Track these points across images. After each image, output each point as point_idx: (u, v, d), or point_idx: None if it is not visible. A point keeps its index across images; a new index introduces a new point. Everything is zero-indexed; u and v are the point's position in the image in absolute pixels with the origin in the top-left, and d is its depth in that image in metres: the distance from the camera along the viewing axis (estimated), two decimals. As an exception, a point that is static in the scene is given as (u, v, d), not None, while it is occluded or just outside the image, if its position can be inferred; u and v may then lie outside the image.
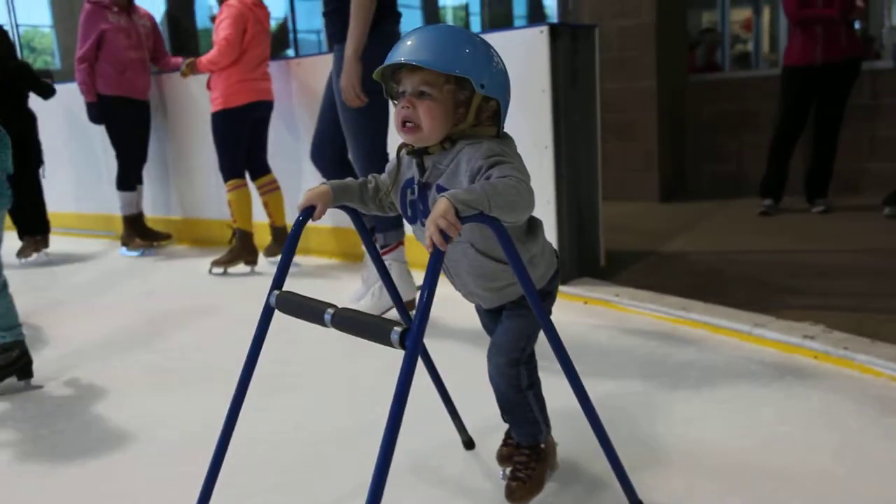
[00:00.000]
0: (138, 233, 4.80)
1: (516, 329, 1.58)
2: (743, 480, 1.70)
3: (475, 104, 1.42)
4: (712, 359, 2.44)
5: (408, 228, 1.82)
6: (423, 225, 1.47)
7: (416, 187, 1.47)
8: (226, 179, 4.07)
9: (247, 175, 4.14)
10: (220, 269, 4.11)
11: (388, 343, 1.25)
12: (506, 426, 1.81)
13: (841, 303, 2.95)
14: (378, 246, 3.01)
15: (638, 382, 2.29)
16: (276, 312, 1.49)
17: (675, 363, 2.42)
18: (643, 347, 2.61)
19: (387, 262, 2.94)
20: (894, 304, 2.88)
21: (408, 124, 1.41)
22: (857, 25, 4.56)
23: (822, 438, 1.88)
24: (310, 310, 1.41)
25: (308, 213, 1.53)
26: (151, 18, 4.76)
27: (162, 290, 3.97)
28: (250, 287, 3.84)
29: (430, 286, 1.23)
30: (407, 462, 1.83)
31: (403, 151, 1.52)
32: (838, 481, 1.68)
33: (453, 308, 2.07)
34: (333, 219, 4.19)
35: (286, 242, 1.54)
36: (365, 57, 2.76)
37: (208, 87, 4.08)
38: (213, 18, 4.20)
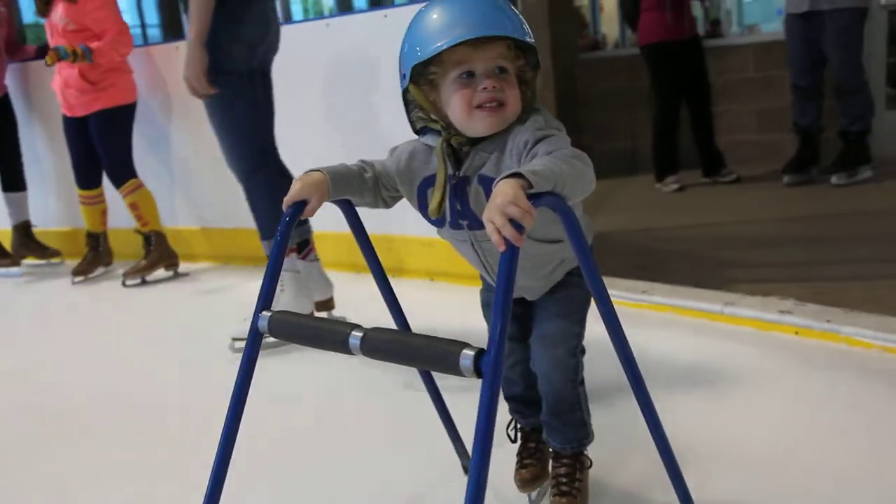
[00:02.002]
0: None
1: (570, 313, 1.36)
2: (794, 480, 1.53)
3: (536, 81, 1.23)
4: (693, 344, 2.29)
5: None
6: (458, 227, 1.25)
7: (447, 184, 1.22)
8: (124, 181, 3.64)
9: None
10: (135, 280, 3.67)
11: (455, 371, 0.96)
12: (512, 446, 1.55)
13: (786, 273, 2.90)
14: (298, 243, 2.67)
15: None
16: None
17: (656, 353, 2.24)
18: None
19: (304, 264, 2.66)
20: (838, 271, 2.86)
21: (490, 105, 1.17)
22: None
23: (849, 421, 1.75)
24: (323, 333, 1.10)
25: (297, 208, 1.20)
26: (6, 4, 4.10)
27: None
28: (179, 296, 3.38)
29: (504, 294, 0.95)
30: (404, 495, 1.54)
31: (430, 143, 1.25)
32: None
33: (448, 309, 1.80)
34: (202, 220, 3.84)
35: (273, 251, 1.20)
36: (238, 37, 2.45)
37: (85, 79, 3.53)
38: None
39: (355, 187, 1.27)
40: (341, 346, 1.06)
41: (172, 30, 5.67)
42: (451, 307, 2.36)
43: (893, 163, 4.67)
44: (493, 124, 1.18)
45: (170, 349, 2.75)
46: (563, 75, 5.40)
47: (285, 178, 2.58)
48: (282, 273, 2.36)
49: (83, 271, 3.87)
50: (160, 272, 3.77)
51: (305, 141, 3.21)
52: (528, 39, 1.17)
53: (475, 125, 1.18)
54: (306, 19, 7.16)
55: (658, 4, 4.58)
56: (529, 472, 1.50)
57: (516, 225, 0.95)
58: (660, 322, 2.51)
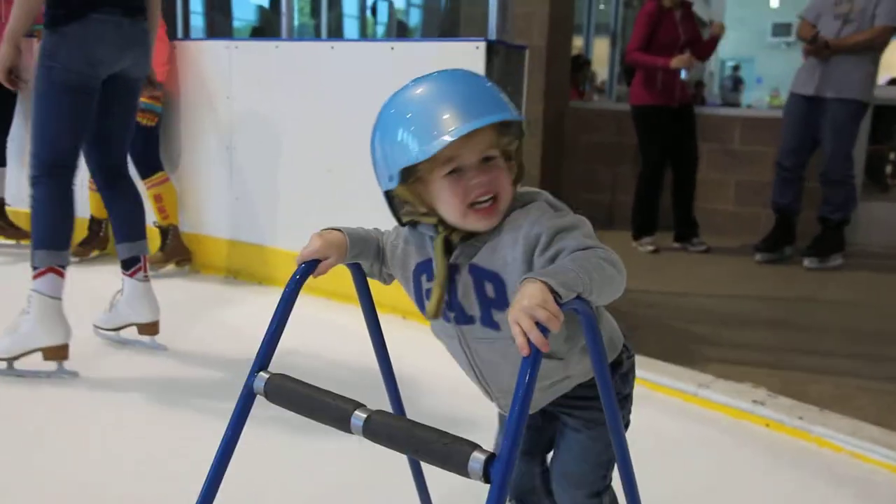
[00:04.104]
0: None
1: (594, 451, 1.26)
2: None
3: (521, 150, 1.15)
4: (666, 425, 2.27)
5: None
6: (445, 319, 1.16)
7: (447, 282, 1.14)
8: (152, 173, 3.66)
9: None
10: (152, 271, 3.55)
11: (462, 472, 0.91)
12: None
13: (757, 357, 2.91)
14: (128, 259, 2.66)
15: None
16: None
17: (631, 429, 2.23)
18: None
19: (131, 282, 2.65)
20: (807, 362, 2.88)
21: (483, 203, 1.08)
22: (683, 75, 4.64)
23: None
24: (324, 407, 1.05)
25: (311, 266, 1.16)
26: None
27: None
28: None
29: (522, 403, 0.91)
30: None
31: (425, 230, 1.16)
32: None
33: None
34: (223, 230, 3.72)
35: (278, 307, 1.15)
36: (59, 50, 2.38)
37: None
38: None
39: (369, 255, 1.24)
40: (341, 423, 1.01)
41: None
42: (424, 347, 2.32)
43: (865, 254, 4.78)
44: (490, 223, 1.10)
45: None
46: (552, 123, 5.44)
47: (63, 201, 2.47)
48: (30, 292, 2.37)
49: (79, 253, 3.84)
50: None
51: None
52: (520, 117, 1.10)
53: (470, 224, 1.10)
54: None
55: (667, 69, 4.60)
56: None
57: (541, 328, 0.92)
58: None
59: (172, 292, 3.53)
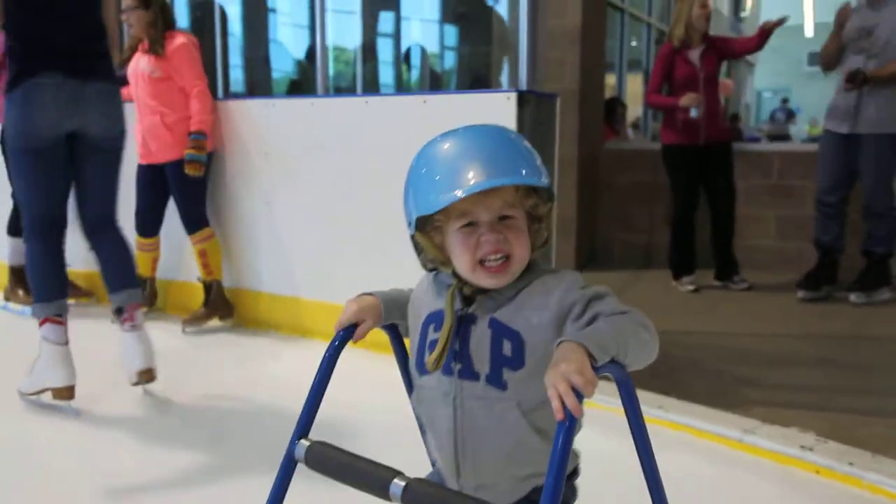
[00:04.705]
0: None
1: None
2: None
3: (552, 215, 1.15)
4: (711, 473, 2.24)
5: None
6: (447, 372, 1.13)
7: (451, 336, 1.12)
8: (199, 229, 3.75)
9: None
10: (195, 326, 3.76)
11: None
12: None
13: (804, 399, 2.85)
14: (115, 309, 2.78)
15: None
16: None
17: (672, 477, 2.19)
18: (628, 454, 2.37)
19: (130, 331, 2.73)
20: (857, 403, 2.82)
21: (495, 260, 1.08)
22: (694, 113, 4.52)
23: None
24: (363, 475, 1.06)
25: (349, 332, 1.19)
26: None
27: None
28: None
29: (557, 470, 0.92)
30: None
31: (445, 279, 1.17)
32: None
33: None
34: (265, 284, 3.80)
35: (317, 375, 1.18)
36: (16, 117, 2.54)
37: (165, 126, 3.65)
38: (135, 46, 3.72)
39: (403, 315, 1.26)
40: (381, 491, 1.03)
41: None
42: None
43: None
44: (499, 282, 1.10)
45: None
46: (587, 164, 5.46)
47: (51, 256, 2.66)
48: (40, 339, 2.57)
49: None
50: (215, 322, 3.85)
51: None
52: (541, 182, 1.08)
53: (480, 280, 1.11)
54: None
55: (682, 108, 4.58)
56: None
57: (577, 394, 0.92)
58: (674, 441, 2.45)
59: (222, 348, 3.61)
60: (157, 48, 3.61)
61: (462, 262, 1.10)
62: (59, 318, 2.63)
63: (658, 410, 2.60)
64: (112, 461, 2.37)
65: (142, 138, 3.74)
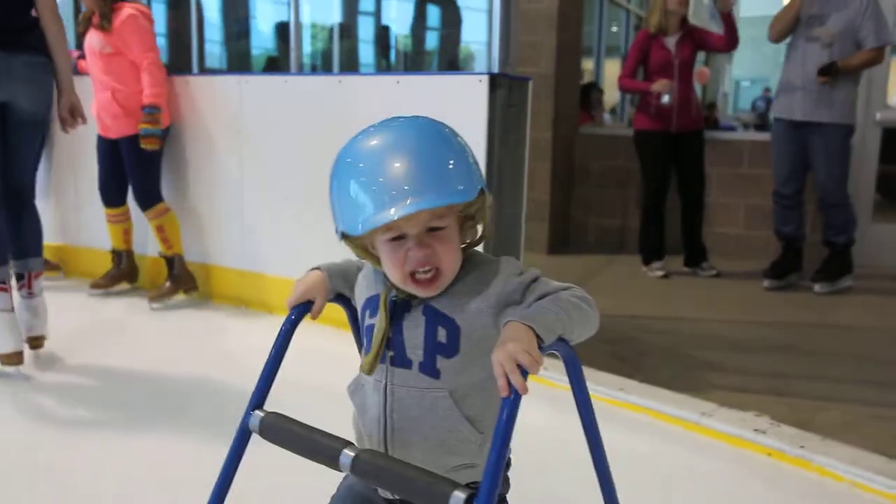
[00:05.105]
0: None
1: None
2: None
3: (485, 211, 1.10)
4: (668, 453, 2.29)
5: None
6: (381, 360, 1.12)
7: (385, 339, 1.10)
8: (152, 203, 3.71)
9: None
10: (160, 303, 3.75)
11: (442, 510, 0.95)
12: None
13: (765, 384, 2.91)
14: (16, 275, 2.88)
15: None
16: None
17: (631, 456, 2.23)
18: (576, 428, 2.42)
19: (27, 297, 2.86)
20: (815, 388, 2.88)
21: (423, 274, 1.05)
22: (665, 99, 4.55)
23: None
24: (315, 446, 1.08)
25: (303, 310, 1.21)
26: None
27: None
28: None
29: (501, 445, 0.94)
30: None
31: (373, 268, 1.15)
32: None
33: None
34: (189, 255, 3.83)
35: (273, 349, 1.19)
36: None
37: (117, 102, 3.60)
38: (88, 18, 3.67)
39: (351, 281, 1.25)
40: (331, 461, 1.05)
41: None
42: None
43: (877, 275, 4.76)
44: (431, 293, 1.08)
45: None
46: (562, 148, 5.49)
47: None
48: None
49: (102, 285, 3.93)
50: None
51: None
52: (471, 197, 1.04)
53: (411, 290, 1.08)
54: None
55: (654, 94, 4.60)
56: None
57: (522, 372, 0.95)
58: (634, 423, 2.50)
59: (184, 322, 3.61)
60: (103, 23, 3.55)
61: (392, 273, 1.08)
62: (3, 286, 2.70)
63: (619, 392, 2.65)
64: (66, 430, 2.40)
65: (96, 113, 3.69)
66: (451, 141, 1.07)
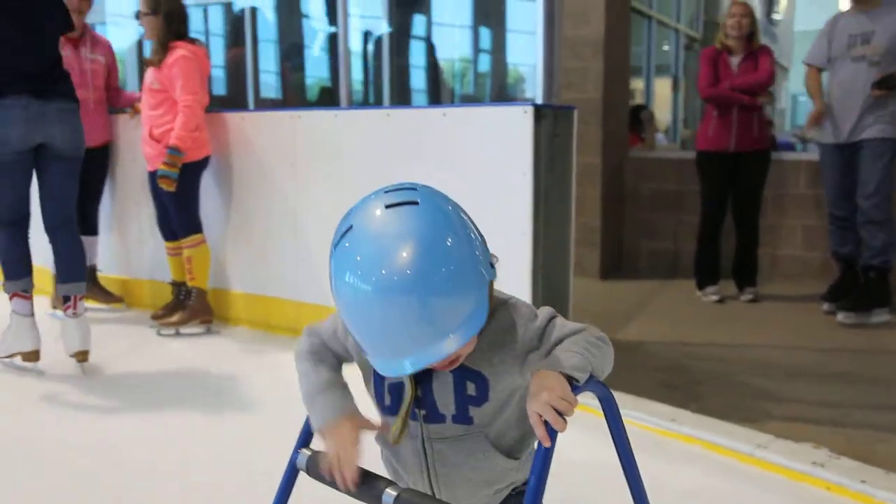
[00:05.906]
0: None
1: None
2: None
3: (491, 293, 1.07)
4: (721, 487, 2.25)
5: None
6: (412, 418, 1.13)
7: (411, 407, 1.12)
8: (186, 234, 3.83)
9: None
10: (170, 330, 3.86)
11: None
12: None
13: (823, 414, 2.84)
14: (62, 297, 3.21)
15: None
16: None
17: (681, 490, 2.22)
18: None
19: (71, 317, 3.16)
20: (877, 419, 2.80)
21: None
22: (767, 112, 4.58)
23: None
24: (359, 485, 1.11)
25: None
26: (110, 51, 4.33)
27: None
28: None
29: (535, 491, 0.96)
30: None
31: None
32: None
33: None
34: (246, 285, 3.92)
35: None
36: None
37: (152, 137, 3.74)
38: (148, 62, 3.82)
39: (343, 344, 1.25)
40: (374, 500, 1.08)
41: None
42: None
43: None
44: (452, 367, 1.07)
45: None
46: (611, 172, 5.46)
47: (15, 244, 3.15)
48: (10, 312, 3.16)
49: (163, 316, 3.96)
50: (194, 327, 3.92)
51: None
52: (466, 340, 0.98)
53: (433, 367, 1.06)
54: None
55: (720, 113, 4.57)
56: None
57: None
58: (686, 454, 2.47)
59: (246, 352, 3.68)
60: (154, 59, 3.70)
61: None
62: (25, 294, 3.15)
63: (671, 423, 2.61)
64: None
65: (142, 147, 3.86)
66: (451, 250, 0.97)
